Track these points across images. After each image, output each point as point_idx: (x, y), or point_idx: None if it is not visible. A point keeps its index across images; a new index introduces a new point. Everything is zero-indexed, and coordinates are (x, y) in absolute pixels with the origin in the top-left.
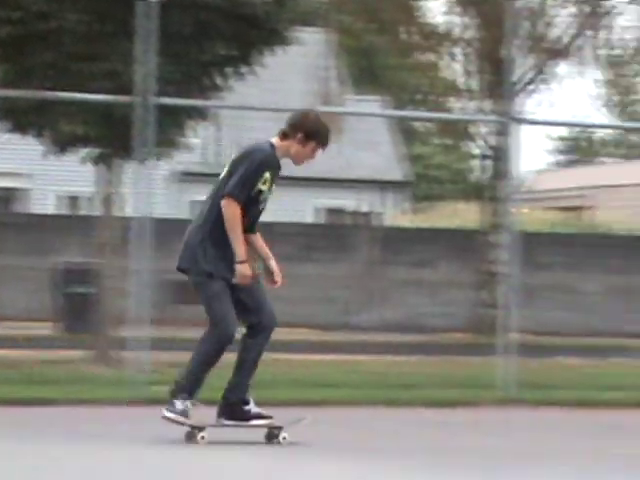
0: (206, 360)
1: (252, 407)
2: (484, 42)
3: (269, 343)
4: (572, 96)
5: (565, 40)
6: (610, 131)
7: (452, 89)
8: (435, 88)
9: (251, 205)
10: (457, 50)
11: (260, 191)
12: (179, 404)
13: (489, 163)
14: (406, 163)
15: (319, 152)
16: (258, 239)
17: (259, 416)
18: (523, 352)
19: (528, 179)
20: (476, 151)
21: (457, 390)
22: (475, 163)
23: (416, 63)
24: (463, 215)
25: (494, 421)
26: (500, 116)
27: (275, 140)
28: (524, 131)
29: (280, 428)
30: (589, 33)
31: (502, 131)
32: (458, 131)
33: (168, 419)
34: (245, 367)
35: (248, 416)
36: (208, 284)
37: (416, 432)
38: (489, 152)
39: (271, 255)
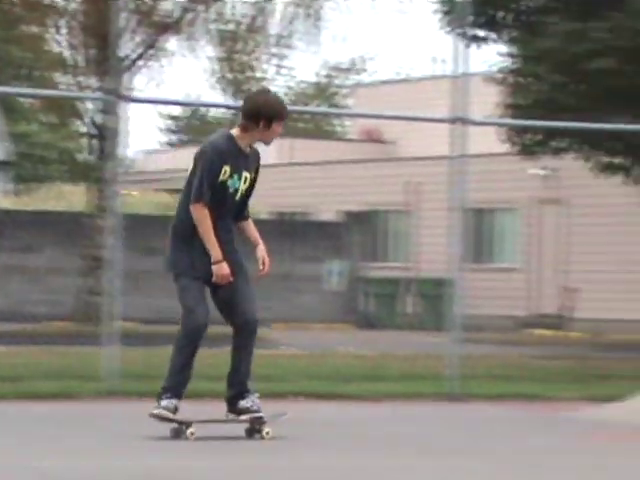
0: (182, 354)
1: (243, 402)
2: (88, 15)
3: (255, 339)
4: (185, 73)
5: (176, 14)
6: (225, 110)
7: (58, 64)
8: (40, 62)
9: (222, 198)
10: (62, 23)
11: (223, 183)
12: (164, 402)
13: (96, 143)
14: (8, 142)
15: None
16: (248, 225)
17: (246, 411)
18: (129, 341)
19: (138, 160)
20: (83, 130)
21: (61, 382)
22: (83, 142)
23: (20, 35)
24: (70, 197)
25: (96, 415)
26: (106, 93)
27: (235, 131)
28: (132, 109)
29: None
30: (200, 7)
31: (108, 109)
32: (64, 108)
33: (155, 416)
34: (237, 366)
35: (238, 410)
36: (178, 279)
37: (24, 429)
38: (96, 131)
39: (260, 242)
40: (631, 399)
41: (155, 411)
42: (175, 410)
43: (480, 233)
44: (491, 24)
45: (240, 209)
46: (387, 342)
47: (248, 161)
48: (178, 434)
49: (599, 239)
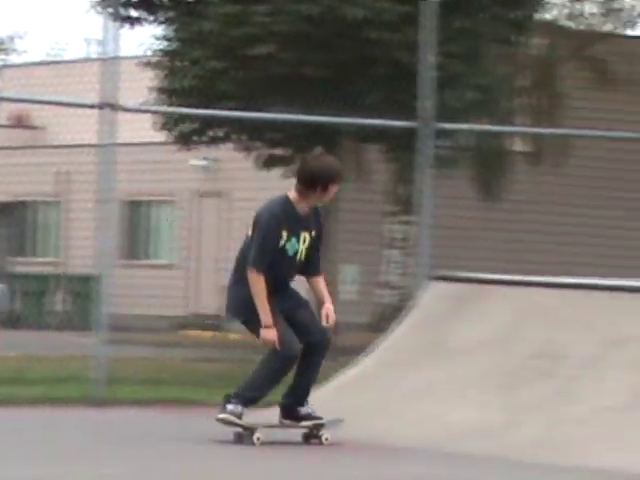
0: (270, 376)
1: (304, 409)
2: None
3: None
4: None
5: None
6: None
7: None
8: None
9: (280, 260)
10: None
11: (282, 247)
12: (230, 406)
13: None
14: None
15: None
16: (317, 282)
17: (308, 417)
18: None
19: None
20: None
21: None
22: None
23: None
24: None
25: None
26: None
27: (292, 195)
28: None
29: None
30: None
31: None
32: None
33: (221, 420)
34: (305, 378)
35: (299, 416)
36: (257, 324)
37: None
38: None
39: (326, 300)
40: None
41: (221, 415)
42: (240, 416)
43: (135, 227)
44: (146, 4)
45: (306, 267)
46: (34, 342)
47: (308, 222)
48: (241, 439)
49: None
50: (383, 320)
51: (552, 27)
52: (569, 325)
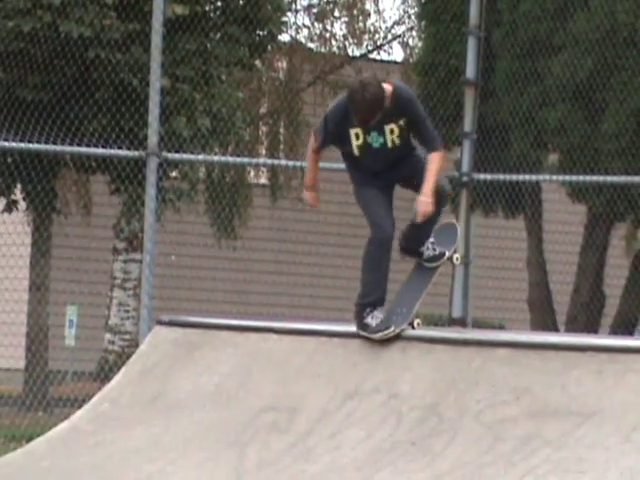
0: (370, 263)
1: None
2: None
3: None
4: None
5: None
6: None
7: None
8: None
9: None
10: None
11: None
12: (369, 320)
13: None
14: None
15: None
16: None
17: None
18: None
19: None
20: None
21: None
22: None
23: None
24: None
25: None
26: None
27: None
28: None
29: None
30: None
31: None
32: None
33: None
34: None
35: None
36: (358, 193)
37: None
38: None
39: (425, 191)
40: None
41: (375, 336)
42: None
43: None
44: None
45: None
46: None
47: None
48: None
49: None
50: (107, 369)
51: (294, 49)
52: (302, 375)
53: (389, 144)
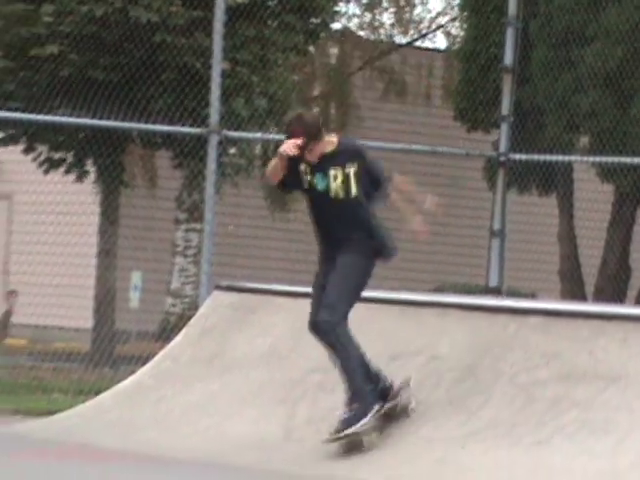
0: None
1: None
2: None
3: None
4: None
5: None
6: None
7: None
8: None
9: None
10: None
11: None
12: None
13: None
14: None
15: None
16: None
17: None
18: None
19: None
20: None
21: None
22: None
23: None
24: None
25: None
26: None
27: None
28: None
29: None
30: None
31: None
32: None
33: None
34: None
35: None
36: None
37: None
38: None
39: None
40: (63, 414)
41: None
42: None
43: None
44: None
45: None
46: None
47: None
48: None
49: (43, 239)
50: (169, 329)
51: (345, 36)
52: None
53: (332, 192)
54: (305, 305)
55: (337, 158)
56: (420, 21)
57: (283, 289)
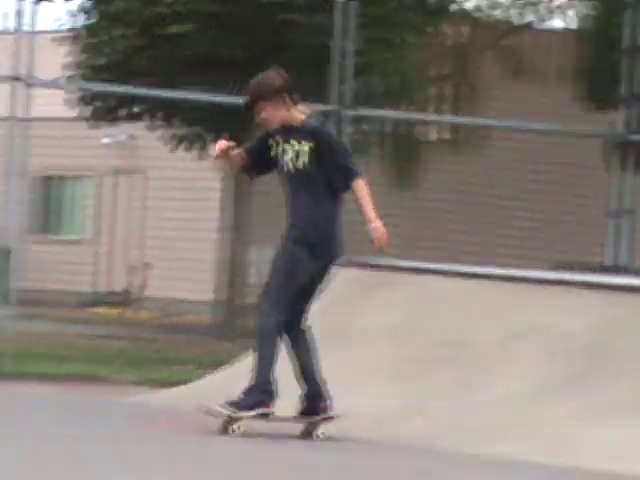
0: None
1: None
2: None
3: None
4: None
5: None
6: None
7: None
8: None
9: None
10: None
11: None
12: None
13: None
14: None
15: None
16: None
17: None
18: None
19: None
20: None
21: None
22: None
23: None
24: None
25: None
26: None
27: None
28: None
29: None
30: None
31: None
32: None
33: None
34: None
35: None
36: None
37: None
38: None
39: (371, 218)
40: (193, 384)
41: None
42: None
43: (48, 202)
44: None
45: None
46: None
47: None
48: None
49: (173, 215)
50: None
51: (470, 17)
52: (474, 314)
53: (290, 163)
54: (430, 280)
55: (299, 132)
56: (539, 2)
57: (409, 265)
